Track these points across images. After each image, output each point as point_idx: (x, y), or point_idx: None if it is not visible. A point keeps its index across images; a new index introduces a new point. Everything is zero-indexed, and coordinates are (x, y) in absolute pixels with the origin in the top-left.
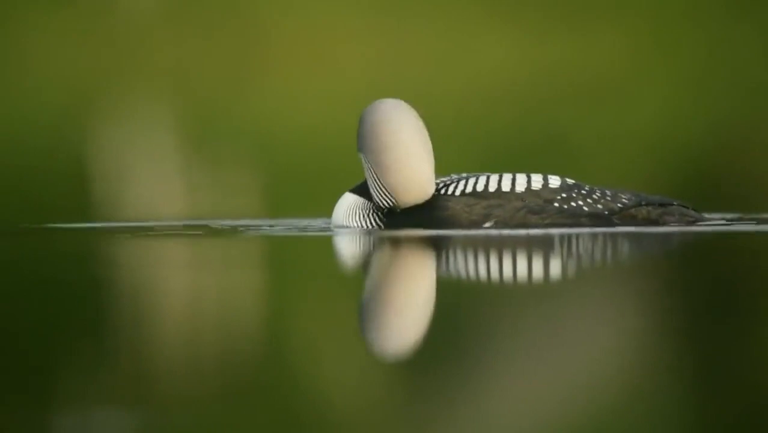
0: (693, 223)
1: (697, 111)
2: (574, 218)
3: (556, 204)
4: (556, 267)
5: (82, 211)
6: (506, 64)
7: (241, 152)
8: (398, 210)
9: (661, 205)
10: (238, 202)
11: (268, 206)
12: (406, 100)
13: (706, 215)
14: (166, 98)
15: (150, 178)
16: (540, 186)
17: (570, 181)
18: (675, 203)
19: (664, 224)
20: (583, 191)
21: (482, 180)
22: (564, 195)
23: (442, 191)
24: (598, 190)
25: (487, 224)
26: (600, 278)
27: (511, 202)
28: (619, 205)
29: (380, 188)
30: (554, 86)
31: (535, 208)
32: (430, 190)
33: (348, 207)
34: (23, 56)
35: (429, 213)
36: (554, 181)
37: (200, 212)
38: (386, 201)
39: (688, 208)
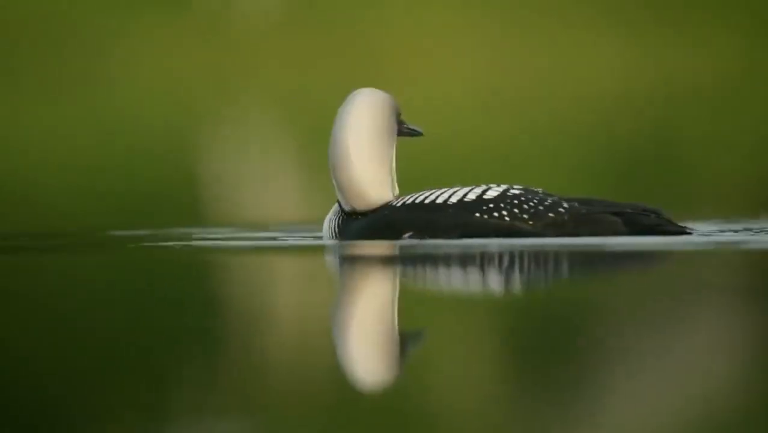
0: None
1: None
2: (483, 229)
3: (478, 214)
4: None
5: (192, 217)
6: (619, 73)
7: None
8: (355, 216)
9: (617, 213)
10: None
11: None
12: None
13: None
14: (277, 107)
15: (261, 183)
16: (474, 197)
17: (516, 190)
18: (629, 210)
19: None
20: (528, 204)
21: (437, 192)
22: (491, 205)
23: (398, 203)
24: (548, 200)
25: (405, 235)
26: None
27: (434, 214)
28: (551, 214)
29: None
30: (668, 94)
31: (448, 222)
32: (377, 196)
33: (330, 213)
34: (137, 66)
35: (369, 222)
36: (492, 193)
37: (312, 217)
38: (342, 203)
39: (646, 214)
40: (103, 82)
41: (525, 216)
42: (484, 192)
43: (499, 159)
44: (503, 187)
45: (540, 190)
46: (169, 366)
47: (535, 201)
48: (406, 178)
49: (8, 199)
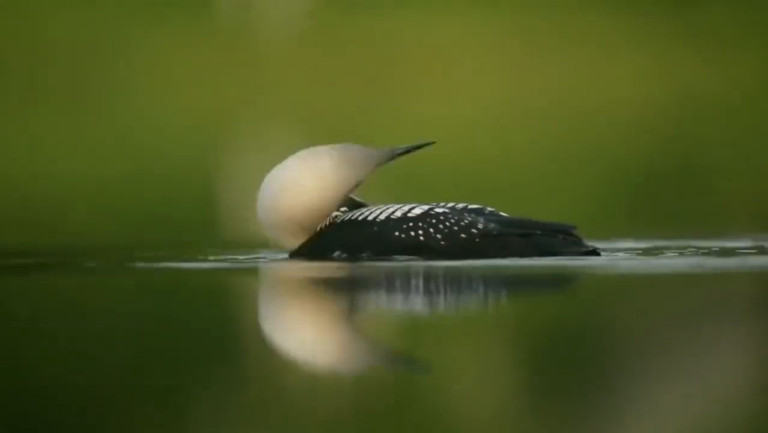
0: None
1: None
2: (398, 248)
3: (396, 233)
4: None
5: (210, 235)
6: (637, 90)
7: (373, 181)
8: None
9: (526, 234)
10: None
11: None
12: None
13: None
14: (296, 122)
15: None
16: (399, 215)
17: (439, 209)
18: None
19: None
20: (444, 224)
21: (375, 210)
22: (410, 224)
23: (339, 219)
24: (465, 221)
25: (335, 254)
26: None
27: (358, 232)
28: (462, 235)
29: None
30: (687, 110)
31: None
32: (281, 242)
33: None
34: (157, 80)
35: (310, 241)
36: (417, 211)
37: None
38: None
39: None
40: (123, 96)
41: (438, 236)
42: (410, 210)
43: (516, 176)
44: (429, 205)
45: (483, 208)
46: (188, 391)
47: (452, 221)
48: (420, 194)
49: (25, 215)
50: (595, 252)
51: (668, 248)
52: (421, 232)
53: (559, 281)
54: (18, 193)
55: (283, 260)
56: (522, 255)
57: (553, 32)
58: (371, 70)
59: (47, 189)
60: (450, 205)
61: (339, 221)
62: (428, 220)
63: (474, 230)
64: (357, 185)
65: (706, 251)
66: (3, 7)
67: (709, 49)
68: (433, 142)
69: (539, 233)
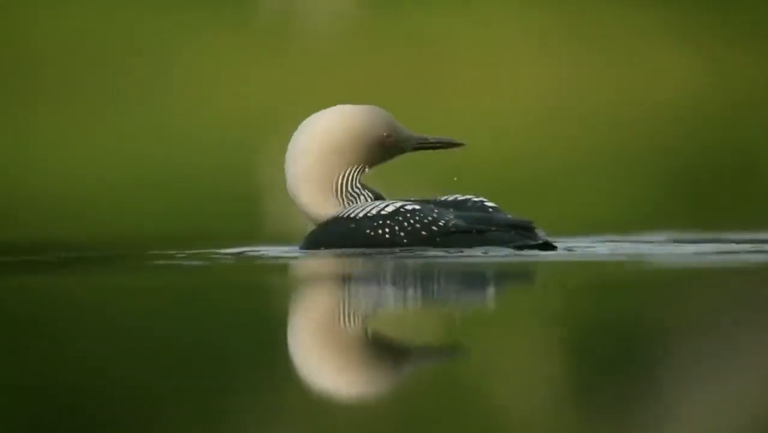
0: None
1: None
2: (367, 244)
3: (368, 230)
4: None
5: (252, 233)
6: (686, 89)
7: (418, 179)
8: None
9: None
10: None
11: None
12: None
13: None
14: None
15: None
16: (374, 213)
17: (410, 206)
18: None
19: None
20: (409, 221)
21: (365, 207)
22: (380, 222)
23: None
24: (429, 217)
25: (321, 250)
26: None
27: (337, 229)
28: (423, 232)
29: None
30: (736, 109)
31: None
32: (318, 214)
33: None
34: (197, 84)
35: (306, 236)
36: (389, 208)
37: None
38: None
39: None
40: (164, 99)
41: (402, 233)
42: (384, 207)
43: (562, 172)
44: (401, 203)
45: (468, 201)
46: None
47: (417, 218)
48: (462, 189)
49: (67, 213)
50: (550, 246)
51: (699, 241)
52: (387, 229)
53: (512, 274)
54: (63, 188)
55: (276, 256)
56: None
57: (599, 28)
58: (415, 67)
59: (86, 185)
60: (440, 199)
61: (333, 216)
62: (396, 218)
63: (434, 228)
64: (372, 161)
65: (734, 245)
66: (38, 6)
67: (756, 45)
68: (464, 144)
69: (494, 229)
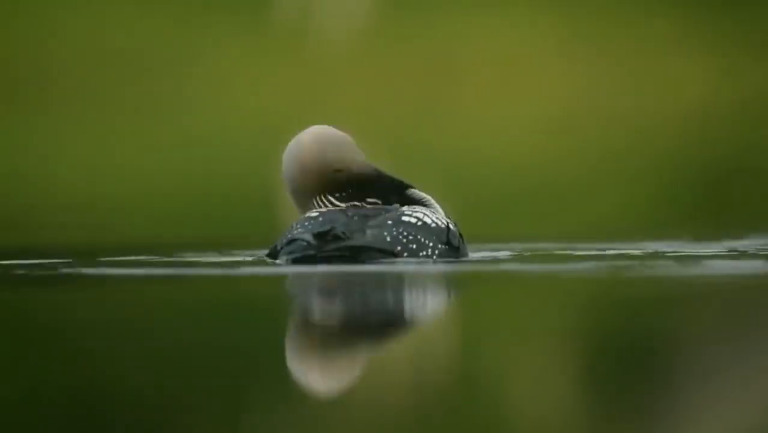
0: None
1: None
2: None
3: (284, 239)
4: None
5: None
6: (701, 93)
7: (432, 183)
8: None
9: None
10: None
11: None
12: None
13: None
14: (355, 126)
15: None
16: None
17: (312, 213)
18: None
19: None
20: (289, 230)
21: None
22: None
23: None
24: (294, 229)
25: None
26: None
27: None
28: (277, 244)
29: None
30: (751, 114)
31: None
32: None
33: None
34: (215, 89)
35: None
36: (313, 213)
37: None
38: None
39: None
40: (183, 105)
41: (277, 243)
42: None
43: (576, 181)
44: (316, 212)
45: (382, 209)
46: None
47: (293, 226)
48: (474, 193)
49: (89, 220)
50: (355, 251)
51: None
52: (283, 238)
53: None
54: (85, 195)
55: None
56: (305, 258)
57: (612, 37)
58: (432, 72)
59: (114, 190)
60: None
61: None
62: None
63: (284, 238)
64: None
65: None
66: (57, 13)
67: (765, 51)
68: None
69: (305, 238)
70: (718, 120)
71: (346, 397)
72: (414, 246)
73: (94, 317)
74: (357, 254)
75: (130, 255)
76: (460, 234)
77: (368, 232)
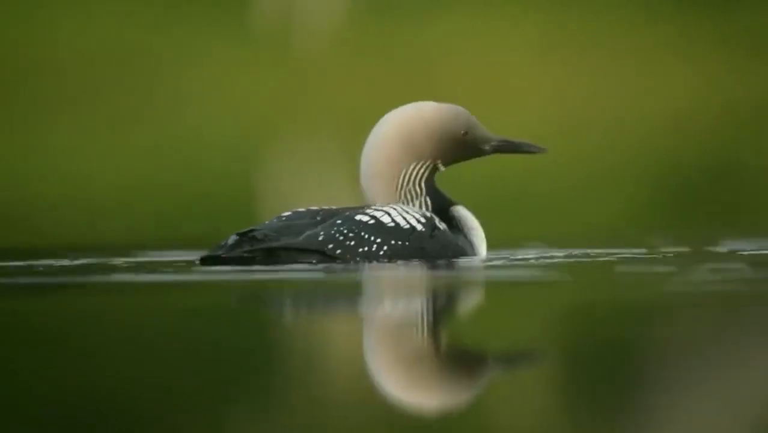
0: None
1: None
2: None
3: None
4: None
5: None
6: (685, 101)
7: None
8: None
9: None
10: None
11: None
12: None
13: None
14: (337, 128)
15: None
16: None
17: (285, 213)
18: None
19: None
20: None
21: None
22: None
23: None
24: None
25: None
26: None
27: None
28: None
29: None
30: (734, 121)
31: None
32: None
33: None
34: (198, 91)
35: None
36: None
37: None
38: None
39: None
40: (164, 109)
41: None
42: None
43: (562, 184)
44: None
45: (339, 211)
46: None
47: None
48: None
49: (74, 223)
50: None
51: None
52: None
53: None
54: (60, 197)
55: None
56: (248, 263)
57: (601, 43)
58: (412, 75)
59: (87, 198)
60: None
61: None
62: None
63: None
64: (446, 152)
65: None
66: (60, 18)
67: (757, 59)
68: (545, 150)
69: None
70: (703, 125)
71: None
72: (352, 243)
73: (73, 321)
74: (272, 256)
75: (106, 257)
76: (472, 238)
77: (308, 232)
